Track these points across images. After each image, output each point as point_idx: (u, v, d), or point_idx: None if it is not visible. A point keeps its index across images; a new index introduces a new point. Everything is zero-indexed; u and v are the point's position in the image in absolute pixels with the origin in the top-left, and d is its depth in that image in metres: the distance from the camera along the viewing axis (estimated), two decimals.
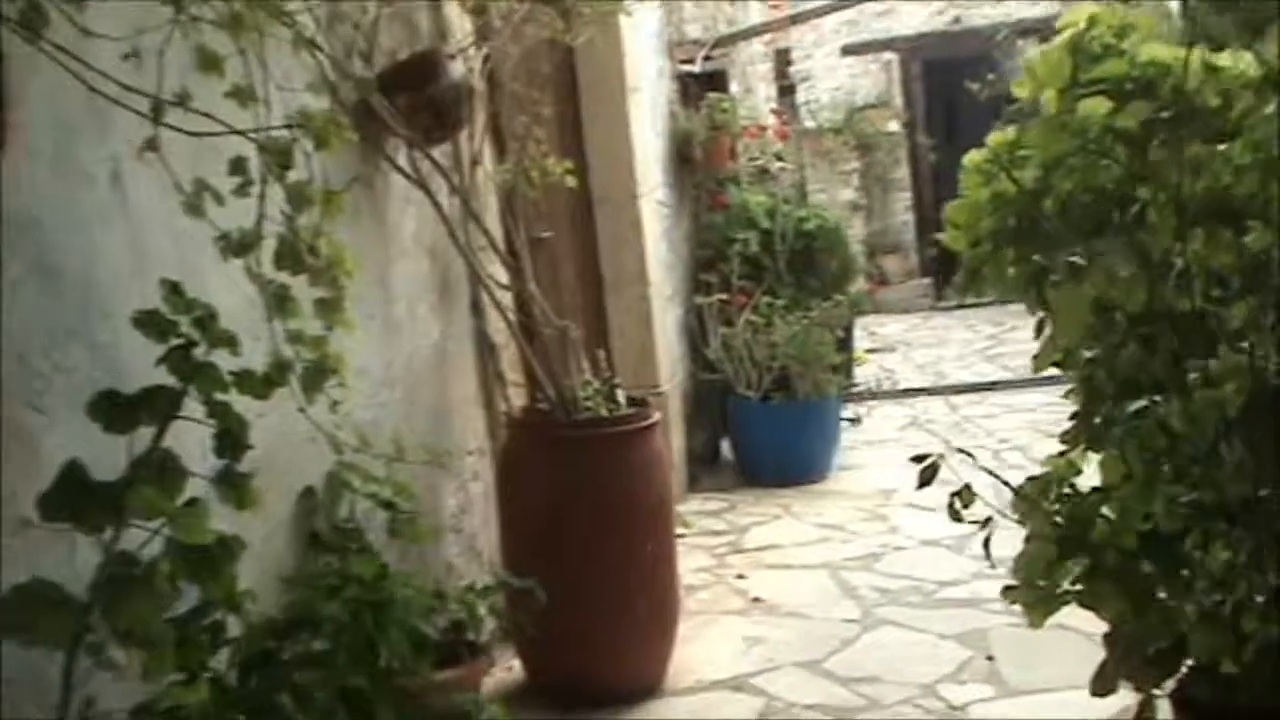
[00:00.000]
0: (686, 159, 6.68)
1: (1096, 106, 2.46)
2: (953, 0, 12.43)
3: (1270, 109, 2.37)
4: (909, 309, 12.07)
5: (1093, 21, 2.69)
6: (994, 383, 8.58)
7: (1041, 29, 11.17)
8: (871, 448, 6.97)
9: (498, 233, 4.27)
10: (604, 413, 3.73)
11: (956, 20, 12.35)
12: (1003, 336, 10.47)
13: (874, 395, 7.67)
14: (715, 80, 7.46)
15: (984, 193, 2.67)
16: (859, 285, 7.06)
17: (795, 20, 7.81)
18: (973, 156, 2.69)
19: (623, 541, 3.50)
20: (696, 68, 7.03)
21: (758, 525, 5.63)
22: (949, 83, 14.19)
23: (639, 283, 5.99)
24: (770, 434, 6.28)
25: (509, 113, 4.39)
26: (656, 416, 3.77)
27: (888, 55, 12.72)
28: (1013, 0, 12.23)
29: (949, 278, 13.13)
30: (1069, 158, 2.54)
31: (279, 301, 2.19)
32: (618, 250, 5.96)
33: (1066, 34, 2.72)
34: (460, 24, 4.15)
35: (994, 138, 2.68)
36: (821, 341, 6.20)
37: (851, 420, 6.51)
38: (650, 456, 3.67)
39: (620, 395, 3.86)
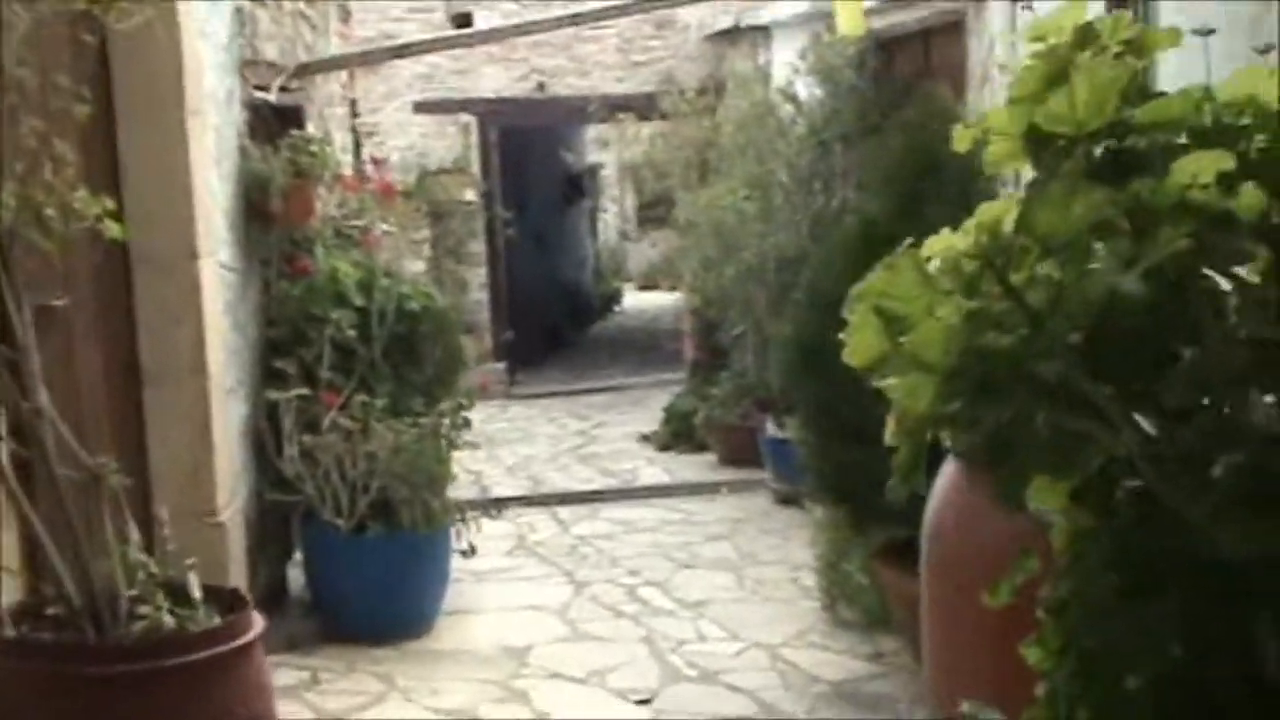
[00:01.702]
0: (260, 210, 5.13)
1: (1212, 163, 1.36)
2: (535, 68, 11.57)
3: None
4: (483, 397, 10.90)
5: (1087, 33, 1.63)
6: (599, 492, 7.57)
7: (634, 105, 10.55)
8: (480, 581, 5.68)
9: None
10: (168, 622, 2.20)
11: (540, 87, 11.49)
12: (593, 433, 9.55)
13: (468, 508, 6.38)
14: (292, 117, 5.97)
15: (949, 308, 1.51)
16: (467, 380, 5.78)
17: (398, 54, 6.49)
18: (945, 242, 1.54)
19: None
20: (273, 97, 5.52)
21: (356, 712, 4.15)
22: (523, 152, 13.37)
23: (194, 374, 4.38)
24: (364, 575, 4.82)
25: (9, 112, 2.76)
26: (258, 625, 2.28)
27: (465, 117, 11.64)
28: (597, 72, 11.57)
29: (523, 363, 12.17)
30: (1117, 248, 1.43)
31: None
32: (165, 329, 4.32)
33: (1037, 48, 1.64)
34: None
35: (982, 211, 1.54)
36: (437, 457, 4.86)
37: (465, 552, 5.18)
38: (250, 696, 2.17)
39: (194, 585, 2.33)
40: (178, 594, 2.29)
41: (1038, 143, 1.60)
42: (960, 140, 1.68)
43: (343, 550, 4.83)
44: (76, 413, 3.88)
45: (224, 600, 2.41)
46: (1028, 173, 1.81)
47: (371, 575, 4.79)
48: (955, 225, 4.00)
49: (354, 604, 4.83)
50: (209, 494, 4.42)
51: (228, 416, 4.65)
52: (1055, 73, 1.56)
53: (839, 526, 4.69)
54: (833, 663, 4.52)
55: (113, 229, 2.75)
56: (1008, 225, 1.45)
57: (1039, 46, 1.63)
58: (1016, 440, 1.60)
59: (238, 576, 4.54)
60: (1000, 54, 4.54)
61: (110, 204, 2.83)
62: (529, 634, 4.93)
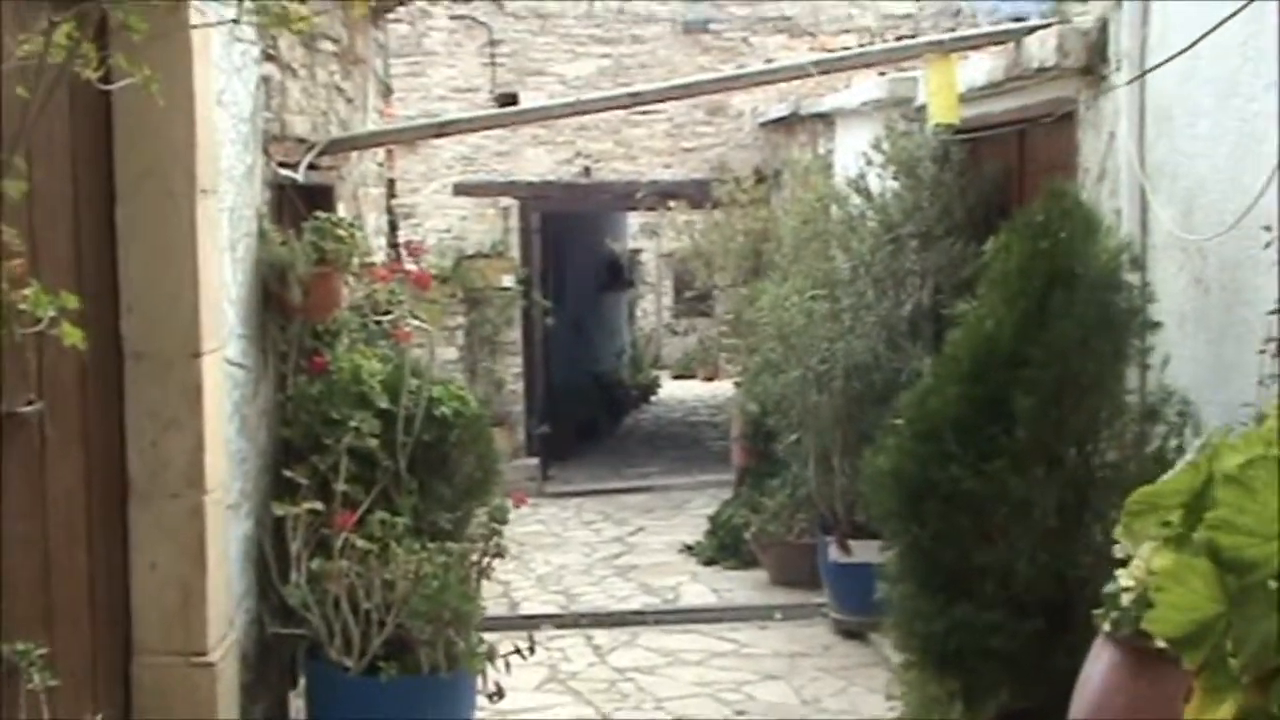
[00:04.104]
0: (278, 301, 4.58)
1: None
2: (581, 151, 11.11)
3: None
4: (510, 493, 10.26)
5: None
6: (639, 613, 6.90)
7: (683, 192, 10.05)
8: None
9: None
10: None
11: (586, 172, 11.02)
12: (630, 540, 8.88)
13: (489, 626, 5.70)
14: (321, 197, 5.45)
15: None
16: (500, 494, 5.16)
17: (439, 132, 6.00)
18: None
19: None
20: (301, 176, 5.00)
21: None
22: (563, 236, 12.88)
23: (189, 488, 3.79)
24: None
25: None
26: None
27: (506, 201, 11.17)
28: (645, 157, 11.10)
29: (557, 457, 11.55)
30: None
31: None
32: (159, 436, 3.75)
33: None
34: None
35: None
36: (464, 591, 4.23)
37: (491, 696, 4.52)
38: None
39: None
40: None
41: None
42: None
43: (351, 694, 4.19)
44: (43, 538, 3.30)
45: None
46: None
47: None
48: (1090, 346, 3.35)
49: None
50: (199, 630, 3.80)
51: (227, 537, 4.04)
52: None
53: (931, 688, 4.01)
54: None
55: (71, 334, 2.17)
56: None
57: None
58: None
59: None
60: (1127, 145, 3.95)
61: (72, 301, 2.25)
62: None
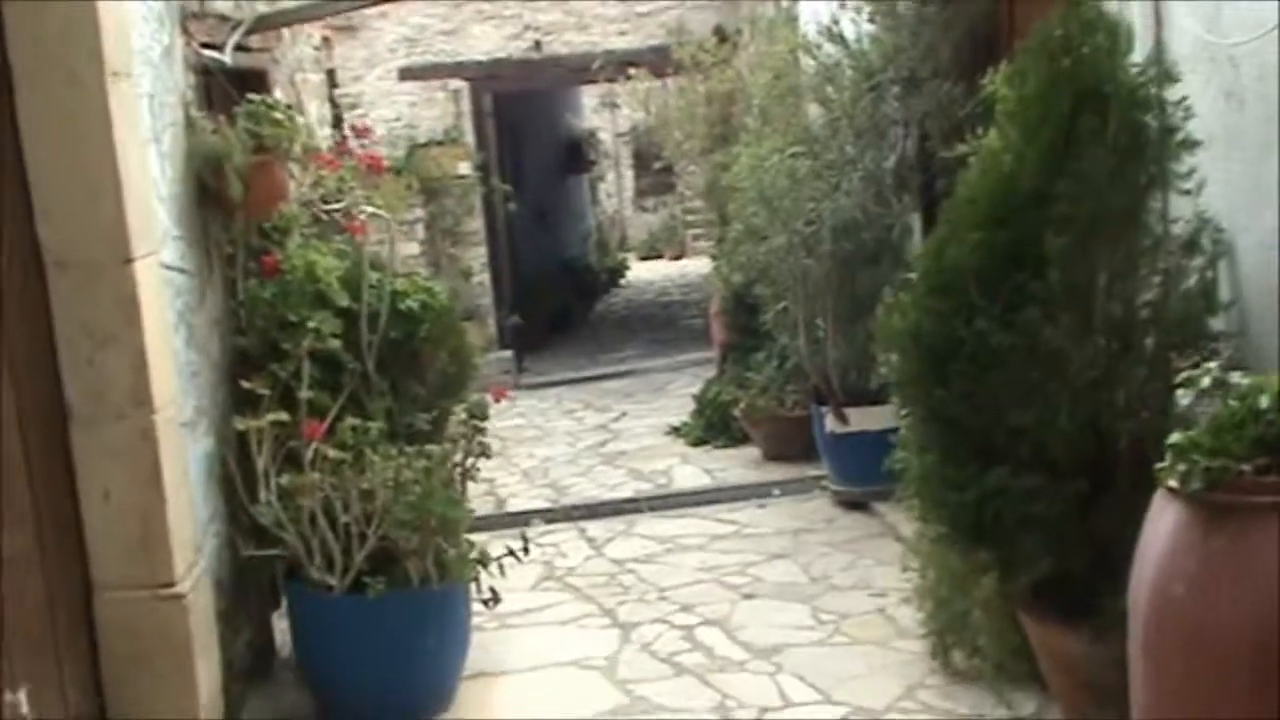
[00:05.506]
0: (216, 197, 4.16)
1: None
2: (529, 24, 10.54)
3: None
4: (488, 388, 9.95)
5: None
6: (632, 500, 6.64)
7: (641, 60, 9.55)
8: (505, 628, 4.77)
9: None
10: None
11: (537, 46, 10.47)
12: (614, 427, 8.60)
13: (477, 527, 5.42)
14: (254, 84, 4.99)
15: None
16: (478, 389, 4.83)
17: (375, 0, 5.51)
18: None
19: None
20: (227, 57, 4.54)
21: None
22: (518, 118, 12.35)
23: (136, 407, 3.43)
24: (364, 645, 3.87)
25: None
26: None
27: (455, 83, 10.63)
28: (598, 26, 10.55)
29: (530, 348, 11.22)
30: None
31: None
32: (94, 353, 3.37)
33: None
34: None
35: None
36: (450, 496, 3.92)
37: (487, 602, 4.24)
38: None
39: None
40: None
41: None
42: None
43: (336, 615, 3.89)
44: None
45: None
46: None
47: (373, 645, 3.85)
48: (1125, 174, 3.00)
49: (353, 680, 3.89)
50: (164, 560, 3.48)
51: (185, 457, 3.69)
52: None
53: (954, 559, 3.75)
54: None
55: None
56: None
57: None
58: None
59: (205, 661, 3.61)
60: None
61: None
62: (572, 705, 4.01)
